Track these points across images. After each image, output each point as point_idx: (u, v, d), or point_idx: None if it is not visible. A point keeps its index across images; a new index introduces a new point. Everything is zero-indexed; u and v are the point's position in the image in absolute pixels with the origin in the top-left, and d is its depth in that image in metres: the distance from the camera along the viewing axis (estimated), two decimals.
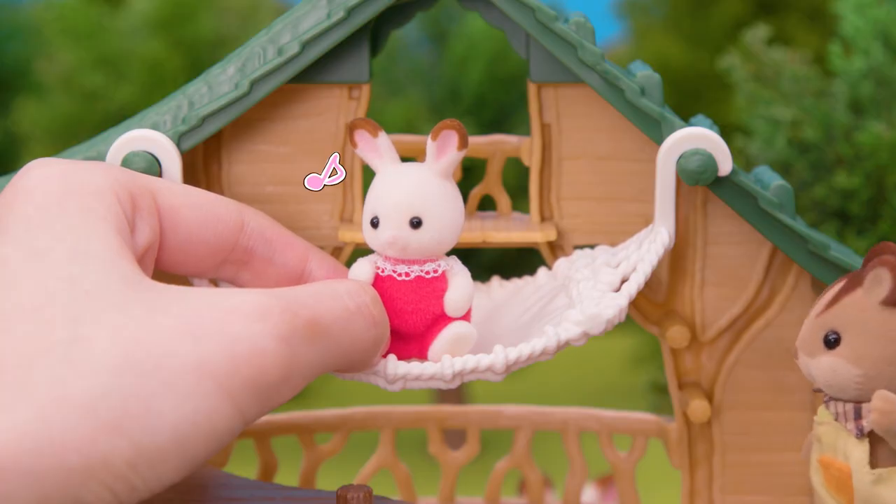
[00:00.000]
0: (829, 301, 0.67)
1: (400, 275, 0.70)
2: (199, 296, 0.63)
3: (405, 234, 0.70)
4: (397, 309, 0.70)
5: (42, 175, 0.66)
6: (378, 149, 0.71)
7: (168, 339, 0.60)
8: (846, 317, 0.66)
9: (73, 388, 0.58)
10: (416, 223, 0.70)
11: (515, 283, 0.79)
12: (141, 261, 0.67)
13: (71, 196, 0.65)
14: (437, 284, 0.71)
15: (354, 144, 0.71)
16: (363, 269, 0.71)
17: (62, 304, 0.60)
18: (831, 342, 0.66)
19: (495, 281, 0.80)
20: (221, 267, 0.72)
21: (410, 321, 0.71)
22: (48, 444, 0.57)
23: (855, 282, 0.66)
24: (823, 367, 0.66)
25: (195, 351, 0.60)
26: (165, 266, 0.70)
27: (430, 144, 0.70)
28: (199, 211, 0.70)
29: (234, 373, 0.61)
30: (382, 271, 0.71)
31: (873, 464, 0.65)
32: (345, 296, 0.67)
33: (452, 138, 0.69)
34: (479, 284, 0.79)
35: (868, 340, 0.65)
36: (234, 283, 0.73)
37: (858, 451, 0.66)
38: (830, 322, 0.66)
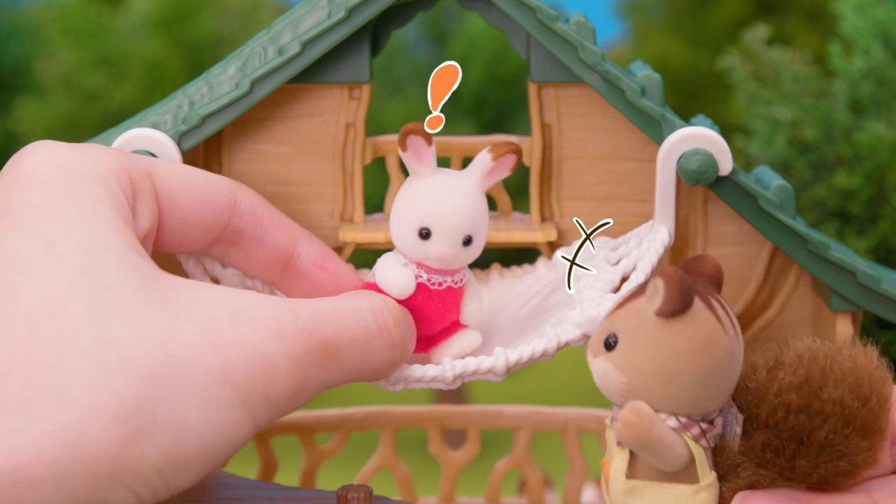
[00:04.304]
0: (619, 303, 0.65)
1: (434, 284, 0.71)
2: (218, 301, 0.63)
3: (456, 252, 0.70)
4: (423, 316, 0.71)
5: (43, 159, 0.65)
6: (428, 158, 0.70)
7: (193, 347, 0.60)
8: (625, 322, 0.64)
9: (108, 393, 0.58)
10: (467, 241, 0.70)
11: (514, 272, 0.79)
12: (142, 245, 0.67)
13: (76, 183, 0.64)
14: (460, 294, 0.72)
15: (404, 148, 0.70)
16: (407, 278, 0.70)
17: (85, 299, 0.60)
18: (610, 345, 0.64)
19: (495, 270, 0.80)
20: (212, 245, 0.72)
21: (431, 327, 0.71)
22: (83, 451, 0.57)
23: (643, 288, 0.65)
24: (597, 368, 0.65)
25: (218, 361, 0.61)
26: (160, 246, 0.70)
27: (486, 161, 0.70)
28: (195, 192, 0.69)
29: (252, 385, 0.61)
30: (418, 278, 0.71)
31: (630, 474, 0.64)
32: (368, 315, 0.67)
33: (511, 162, 0.70)
34: (478, 272, 0.79)
35: (637, 349, 0.63)
36: (223, 261, 0.73)
37: (618, 459, 0.65)
38: (612, 324, 0.65)
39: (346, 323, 0.65)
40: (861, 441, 0.64)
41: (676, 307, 0.63)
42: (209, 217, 0.70)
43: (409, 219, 0.70)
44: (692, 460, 0.64)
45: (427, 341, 0.72)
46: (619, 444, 0.65)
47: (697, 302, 0.63)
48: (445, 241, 0.70)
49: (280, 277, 0.73)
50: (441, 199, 0.70)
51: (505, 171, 0.71)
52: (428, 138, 0.70)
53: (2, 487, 0.56)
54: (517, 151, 0.70)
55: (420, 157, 0.70)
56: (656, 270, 0.75)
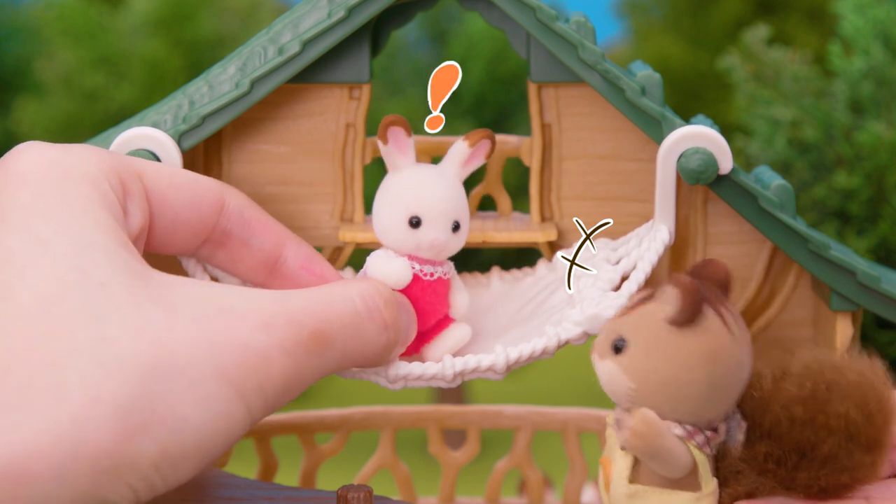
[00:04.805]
0: (629, 307, 0.65)
1: (426, 275, 0.71)
2: (209, 297, 0.63)
3: (447, 238, 0.70)
4: (418, 310, 0.71)
5: (33, 159, 0.65)
6: (408, 148, 0.71)
7: (187, 344, 0.61)
8: (635, 327, 0.64)
9: (106, 391, 0.58)
10: (455, 227, 0.71)
11: (514, 275, 0.79)
12: (134, 245, 0.67)
13: (66, 183, 0.64)
14: (448, 286, 0.72)
15: (385, 140, 0.71)
16: (403, 268, 0.71)
17: (79, 298, 0.60)
18: (618, 348, 0.64)
19: (495, 273, 0.80)
20: (200, 247, 0.72)
21: (426, 321, 0.71)
22: (82, 447, 0.57)
23: (654, 293, 0.65)
24: (605, 371, 0.65)
25: (212, 356, 0.61)
26: (150, 247, 0.70)
27: (463, 149, 0.71)
28: (184, 193, 0.70)
29: (246, 379, 0.62)
30: (411, 268, 0.71)
31: (633, 479, 0.65)
32: (357, 299, 0.67)
33: (487, 148, 0.72)
34: (478, 276, 0.79)
35: (647, 356, 0.63)
36: (210, 262, 0.73)
37: (621, 463, 0.65)
38: (621, 328, 0.65)
39: (334, 310, 0.66)
40: (864, 456, 0.64)
41: (688, 316, 0.63)
42: (197, 218, 0.70)
43: (397, 210, 0.70)
44: (695, 467, 0.64)
45: (419, 338, 0.72)
46: (622, 448, 0.65)
47: (708, 310, 0.63)
48: (437, 228, 0.70)
49: (266, 279, 0.73)
50: (428, 186, 0.71)
51: (481, 159, 0.72)
52: (408, 129, 0.70)
53: (1, 483, 0.56)
54: (491, 137, 0.72)
55: (401, 148, 0.71)
56: (656, 270, 0.75)
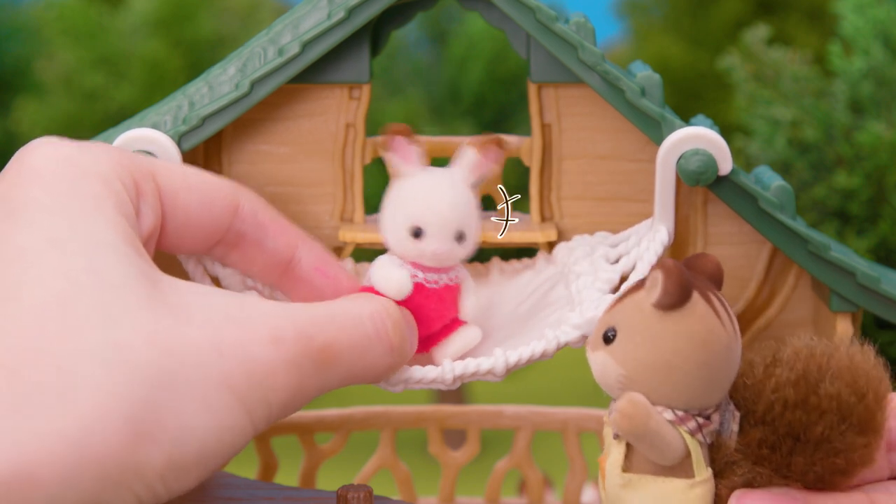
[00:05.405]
0: (618, 298, 0.66)
1: (430, 283, 0.71)
2: (219, 306, 0.63)
3: (450, 248, 0.70)
4: (422, 316, 0.71)
5: (48, 155, 0.64)
6: (412, 156, 0.71)
7: (196, 353, 0.60)
8: (623, 315, 0.64)
9: (115, 396, 0.58)
10: (459, 237, 0.70)
11: (514, 266, 0.79)
12: (145, 246, 0.67)
13: (80, 181, 0.64)
14: (457, 290, 0.72)
15: (387, 149, 0.70)
16: (403, 279, 0.70)
17: (91, 299, 0.59)
18: (609, 338, 0.64)
19: (494, 265, 0.80)
20: (213, 248, 0.71)
21: (431, 326, 0.71)
22: (89, 454, 0.57)
23: (642, 282, 0.65)
24: (596, 361, 0.65)
25: (220, 366, 0.61)
26: (161, 247, 0.70)
27: (471, 155, 0.71)
28: (197, 194, 0.69)
29: (251, 390, 0.62)
30: (414, 278, 0.71)
31: (626, 467, 0.65)
32: (366, 320, 0.67)
33: (495, 154, 0.71)
34: (477, 266, 0.79)
35: (635, 341, 0.64)
36: (223, 262, 0.72)
37: (615, 453, 0.65)
38: (612, 318, 0.65)
39: (343, 328, 0.65)
40: (857, 437, 0.64)
41: (674, 299, 0.63)
42: (210, 220, 0.70)
43: (400, 219, 0.70)
44: (688, 455, 0.64)
45: (428, 340, 0.72)
46: (615, 437, 0.65)
47: (696, 296, 0.63)
48: (438, 238, 0.70)
49: (279, 280, 0.73)
50: (429, 196, 0.70)
51: (490, 165, 0.71)
52: (409, 137, 0.70)
53: (8, 486, 0.56)
54: (499, 142, 0.71)
55: (404, 156, 0.70)
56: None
